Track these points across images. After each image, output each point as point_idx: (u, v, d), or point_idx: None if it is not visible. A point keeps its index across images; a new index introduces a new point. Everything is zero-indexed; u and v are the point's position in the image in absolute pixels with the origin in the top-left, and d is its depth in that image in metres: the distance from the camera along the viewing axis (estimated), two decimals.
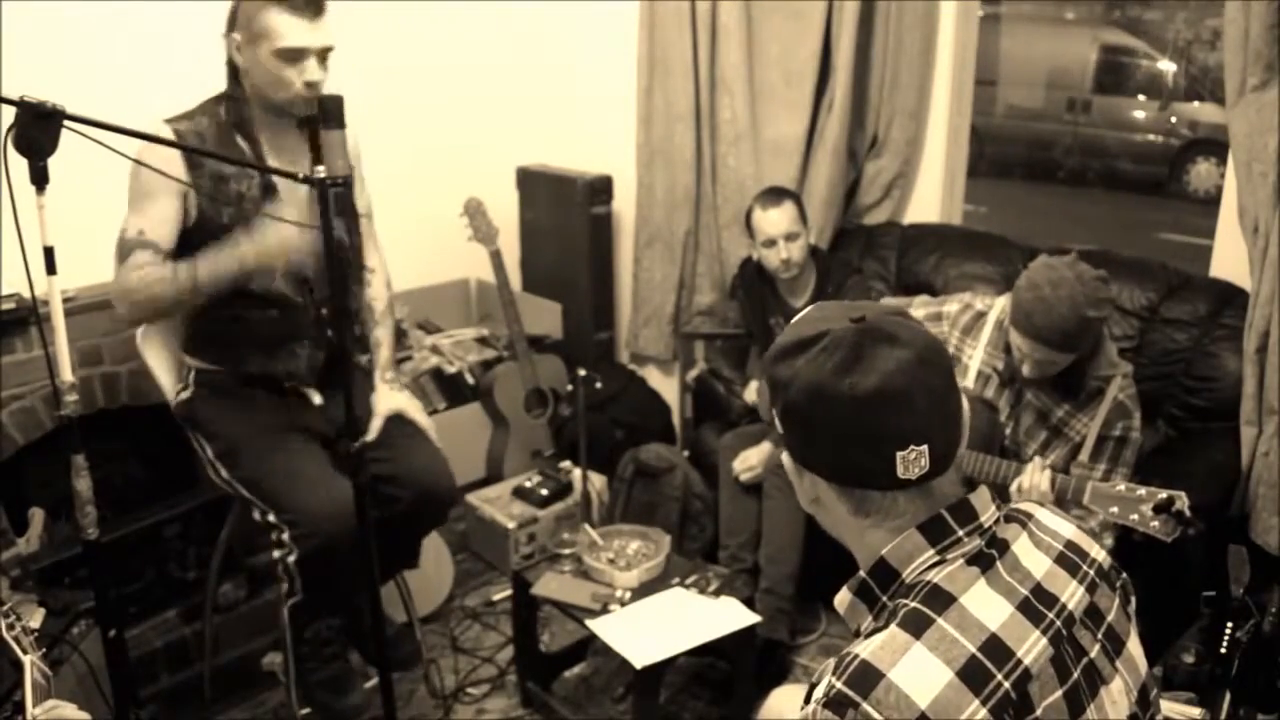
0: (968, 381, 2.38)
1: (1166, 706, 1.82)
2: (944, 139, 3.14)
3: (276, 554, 2.11)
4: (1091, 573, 1.08)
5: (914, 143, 3.13)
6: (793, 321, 1.10)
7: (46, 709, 1.39)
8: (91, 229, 2.04)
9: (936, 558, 1.02)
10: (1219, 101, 6.39)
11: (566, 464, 3.30)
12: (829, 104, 3.11)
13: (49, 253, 1.56)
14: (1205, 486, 2.20)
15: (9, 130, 1.50)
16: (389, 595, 2.47)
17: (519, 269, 3.88)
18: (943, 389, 1.03)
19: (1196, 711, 1.88)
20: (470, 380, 3.42)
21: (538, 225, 3.78)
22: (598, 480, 3.22)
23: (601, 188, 3.61)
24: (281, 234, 1.95)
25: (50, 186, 1.53)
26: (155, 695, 2.49)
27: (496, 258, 3.33)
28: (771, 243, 2.76)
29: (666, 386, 3.74)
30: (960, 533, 1.03)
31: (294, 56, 1.96)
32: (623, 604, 2.31)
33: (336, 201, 1.77)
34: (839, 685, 0.93)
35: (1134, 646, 1.08)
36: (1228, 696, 1.94)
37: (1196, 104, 7.74)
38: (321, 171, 1.73)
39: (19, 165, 1.50)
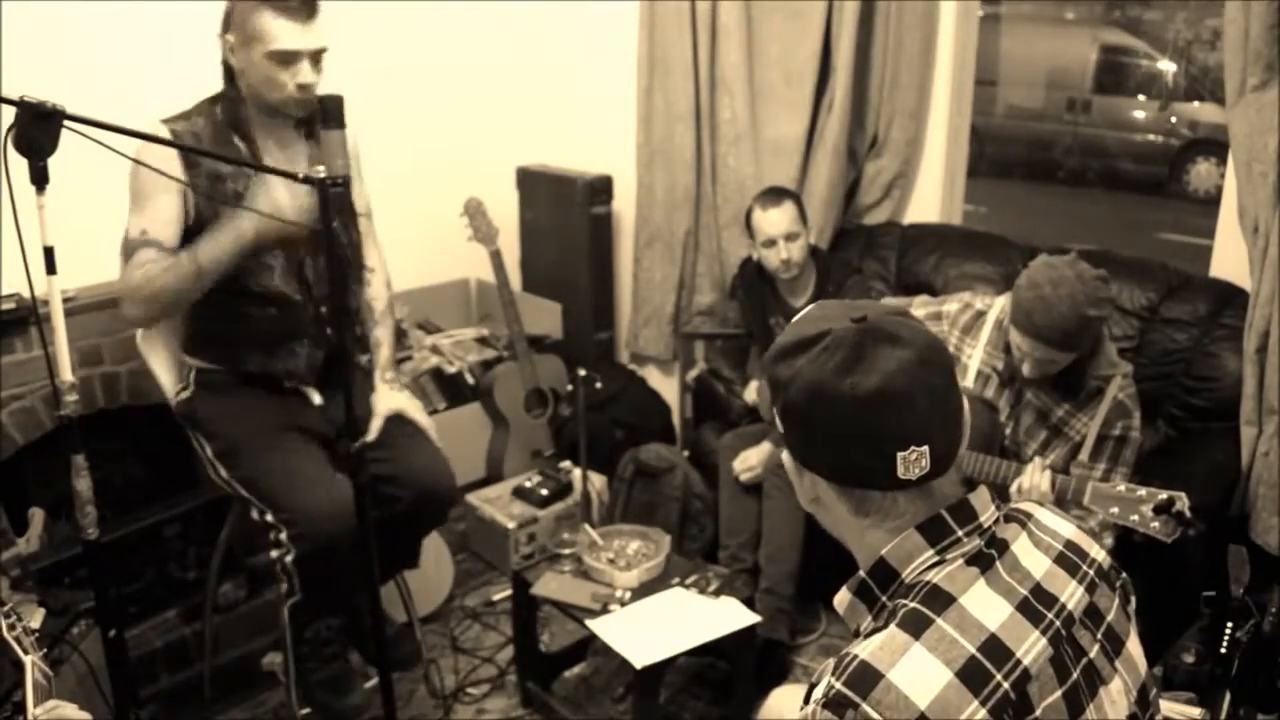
0: (967, 381, 2.38)
1: (1166, 706, 1.82)
2: (944, 139, 3.14)
3: (274, 554, 2.11)
4: (1091, 573, 1.08)
5: (914, 143, 3.13)
6: (794, 320, 1.09)
7: (48, 709, 1.39)
8: (91, 229, 2.04)
9: (936, 558, 1.02)
10: (1219, 101, 6.38)
11: (566, 464, 3.30)
12: (829, 104, 3.11)
13: (49, 253, 1.56)
14: (1205, 486, 2.20)
15: (9, 130, 1.50)
16: (389, 595, 2.47)
17: (519, 269, 3.88)
18: (944, 389, 1.03)
19: (1196, 711, 1.88)
20: (470, 380, 3.42)
21: (538, 225, 3.78)
22: (598, 480, 3.22)
23: (601, 188, 3.61)
24: (273, 199, 1.96)
25: (50, 186, 1.53)
26: (155, 695, 2.49)
27: (496, 258, 3.33)
28: (771, 243, 2.76)
29: (666, 386, 3.74)
30: (960, 533, 1.03)
31: (286, 59, 1.97)
32: (623, 604, 2.31)
33: (333, 200, 1.77)
34: (838, 686, 0.93)
35: (1133, 646, 1.08)
36: (1228, 696, 1.94)
37: (1196, 104, 7.74)
38: (321, 171, 1.74)
39: (19, 165, 1.50)
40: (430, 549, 2.64)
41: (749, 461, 2.76)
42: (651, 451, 3.09)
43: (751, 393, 2.93)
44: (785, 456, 1.10)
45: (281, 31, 1.94)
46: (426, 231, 3.43)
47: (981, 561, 1.02)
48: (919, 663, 0.93)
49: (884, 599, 1.04)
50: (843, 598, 1.10)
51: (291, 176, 1.79)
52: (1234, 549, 2.08)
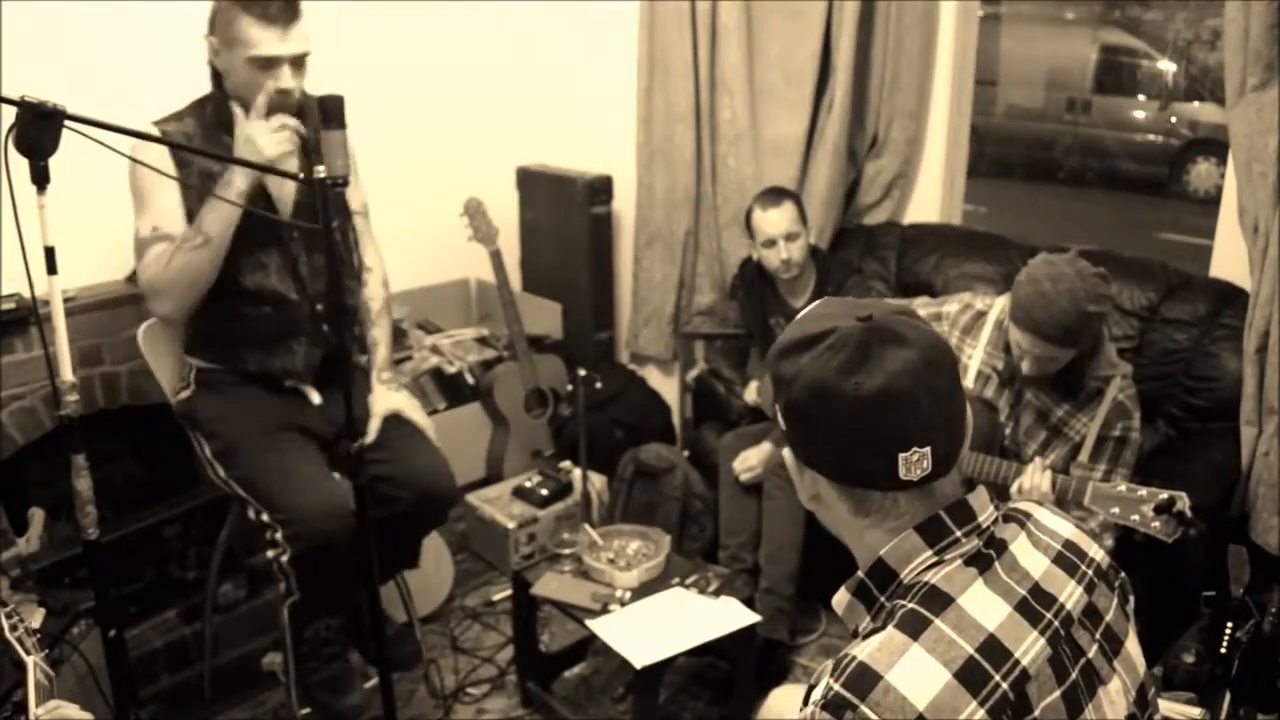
0: (967, 381, 2.38)
1: (1166, 706, 1.82)
2: (944, 139, 3.14)
3: (270, 553, 2.11)
4: (1090, 573, 1.07)
5: (914, 143, 3.13)
6: (798, 317, 1.09)
7: (49, 709, 1.39)
8: (91, 229, 2.04)
9: (934, 558, 1.02)
10: (1219, 101, 6.39)
11: (566, 464, 3.30)
12: (829, 104, 3.11)
13: (49, 253, 1.56)
14: (1205, 486, 2.20)
15: (9, 130, 1.50)
16: (389, 595, 2.47)
17: (519, 269, 3.87)
18: (947, 390, 1.02)
19: (1196, 711, 1.88)
20: (470, 380, 3.42)
21: (538, 225, 3.78)
22: (598, 480, 3.22)
23: (601, 188, 3.61)
24: (256, 146, 1.95)
25: (51, 186, 1.54)
26: (155, 695, 2.49)
27: (496, 258, 3.33)
28: (771, 243, 2.76)
29: (666, 386, 3.74)
30: (958, 533, 1.03)
31: (266, 65, 1.97)
32: (623, 604, 2.31)
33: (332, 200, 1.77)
34: (837, 687, 0.93)
35: (1132, 646, 1.08)
36: (1228, 696, 1.94)
37: (1196, 104, 7.75)
38: (321, 171, 1.74)
39: (19, 165, 1.50)
40: (430, 549, 2.64)
41: (749, 461, 2.76)
42: (651, 451, 3.09)
43: (751, 393, 2.93)
44: (786, 453, 1.10)
45: (260, 38, 1.95)
46: (426, 231, 3.43)
47: (980, 562, 1.02)
48: (917, 664, 0.93)
49: (882, 599, 1.04)
50: (841, 598, 1.10)
51: (292, 177, 1.79)
52: (1234, 549, 2.08)
